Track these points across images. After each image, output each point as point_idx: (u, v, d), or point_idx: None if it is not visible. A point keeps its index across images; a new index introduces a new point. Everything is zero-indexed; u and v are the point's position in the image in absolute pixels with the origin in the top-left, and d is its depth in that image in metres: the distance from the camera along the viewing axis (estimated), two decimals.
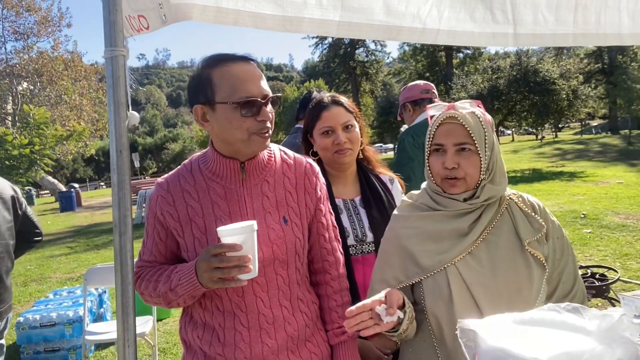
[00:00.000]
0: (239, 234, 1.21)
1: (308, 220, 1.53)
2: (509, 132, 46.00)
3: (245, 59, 1.38)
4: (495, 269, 1.39)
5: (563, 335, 1.08)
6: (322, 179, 1.61)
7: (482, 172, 1.42)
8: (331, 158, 1.88)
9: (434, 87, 3.29)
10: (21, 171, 17.66)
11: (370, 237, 1.86)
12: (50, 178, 26.91)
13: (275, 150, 1.54)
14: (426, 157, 1.48)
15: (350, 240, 1.83)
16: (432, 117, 1.47)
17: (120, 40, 1.20)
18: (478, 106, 1.46)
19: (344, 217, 1.87)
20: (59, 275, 8.45)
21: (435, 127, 1.44)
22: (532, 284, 1.39)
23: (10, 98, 26.81)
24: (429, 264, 1.41)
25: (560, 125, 40.21)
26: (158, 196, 1.43)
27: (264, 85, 1.37)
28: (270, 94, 1.38)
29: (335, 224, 1.65)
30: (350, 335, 1.53)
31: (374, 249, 1.84)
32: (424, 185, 1.57)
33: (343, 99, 1.95)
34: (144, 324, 4.04)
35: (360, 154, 2.01)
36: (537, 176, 17.02)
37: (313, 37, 44.69)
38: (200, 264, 1.27)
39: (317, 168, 1.60)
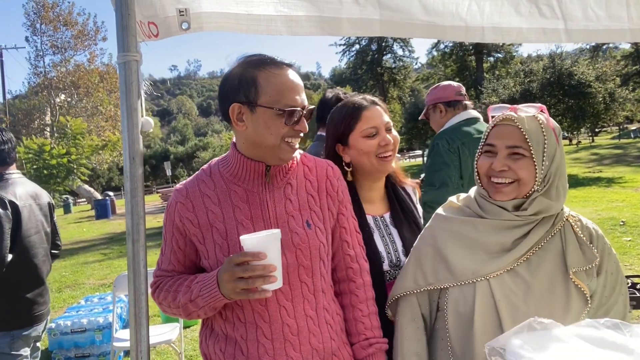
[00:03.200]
0: (262, 242, 1.17)
1: (331, 224, 1.48)
2: None
3: (290, 66, 1.37)
4: (530, 292, 1.29)
5: (601, 353, 0.99)
6: (343, 183, 1.55)
7: (536, 182, 1.30)
8: (372, 165, 1.69)
9: (464, 89, 3.10)
10: (59, 180, 18.31)
11: (404, 261, 1.68)
12: (86, 186, 27.77)
13: (296, 154, 1.49)
14: (475, 158, 1.41)
15: (386, 266, 1.68)
16: (492, 117, 1.40)
17: (132, 45, 1.18)
18: (542, 111, 1.35)
19: (377, 238, 1.71)
20: (92, 281, 8.65)
21: (491, 127, 1.37)
22: (568, 315, 1.27)
23: (49, 110, 27.92)
24: (461, 272, 1.34)
25: (596, 130, 38.92)
26: (177, 203, 1.39)
27: (304, 95, 1.36)
28: (308, 106, 1.37)
29: (359, 230, 1.56)
30: (378, 348, 1.46)
31: None
32: (472, 189, 1.49)
33: (378, 99, 1.80)
34: (171, 331, 4.06)
35: None
36: (573, 182, 16.47)
37: (340, 45, 44.82)
38: (222, 274, 1.22)
39: (338, 170, 1.55)
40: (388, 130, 1.71)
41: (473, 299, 1.31)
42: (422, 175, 3.53)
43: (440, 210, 1.51)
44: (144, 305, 1.21)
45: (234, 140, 1.42)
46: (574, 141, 37.64)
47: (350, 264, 1.51)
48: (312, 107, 1.37)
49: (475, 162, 1.40)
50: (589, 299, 1.31)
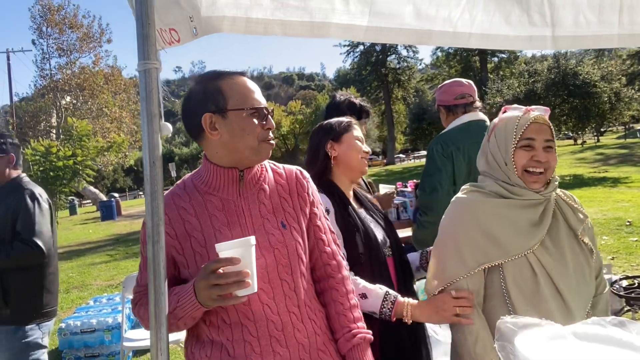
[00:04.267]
0: (236, 247, 1.21)
1: (305, 225, 1.53)
2: None
3: (244, 73, 1.47)
4: (564, 257, 1.52)
5: (608, 350, 1.02)
6: (313, 184, 1.62)
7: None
8: (358, 162, 1.98)
9: (474, 89, 2.97)
10: (65, 181, 18.39)
11: (387, 241, 1.95)
12: (92, 188, 27.91)
13: (265, 163, 1.56)
14: (511, 152, 1.56)
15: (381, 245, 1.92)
16: (510, 115, 1.60)
17: (153, 53, 1.22)
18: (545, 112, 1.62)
19: (374, 224, 1.96)
20: (100, 282, 8.71)
21: (526, 124, 1.55)
22: (590, 267, 1.58)
23: (55, 112, 28.05)
24: (512, 248, 1.51)
25: (602, 129, 38.78)
26: None
27: (263, 98, 1.48)
28: (269, 107, 1.48)
29: (332, 229, 1.65)
30: (362, 338, 1.48)
31: (390, 252, 1.93)
32: (482, 178, 1.68)
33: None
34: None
35: None
36: (578, 182, 16.43)
37: (344, 46, 44.83)
38: (198, 283, 1.25)
39: (307, 173, 1.63)
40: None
41: (531, 270, 1.50)
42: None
43: (468, 198, 1.63)
44: (163, 306, 1.24)
45: (205, 153, 1.48)
46: (579, 141, 37.51)
47: (328, 260, 1.56)
48: (272, 108, 1.49)
49: (512, 155, 1.56)
50: (593, 249, 1.61)
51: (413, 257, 2.06)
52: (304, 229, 1.52)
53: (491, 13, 1.75)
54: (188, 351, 1.48)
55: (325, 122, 2.08)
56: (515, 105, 1.65)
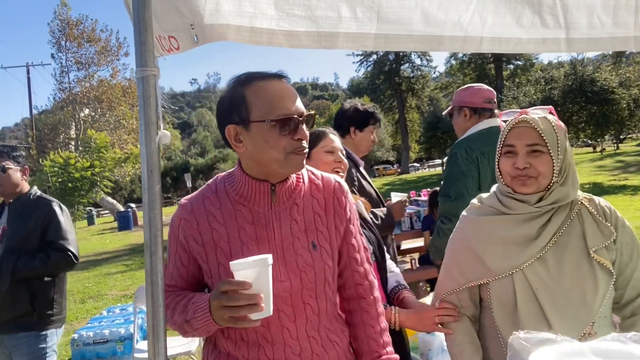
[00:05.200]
0: (251, 267, 1.12)
1: (338, 243, 1.44)
2: None
3: (278, 76, 1.32)
4: (561, 275, 1.42)
5: None
6: (351, 199, 1.52)
7: (554, 174, 1.44)
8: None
9: (495, 96, 2.97)
10: (83, 192, 18.68)
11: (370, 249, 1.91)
12: (109, 198, 28.27)
13: (303, 172, 1.45)
14: (496, 160, 1.52)
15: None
16: (504, 121, 1.53)
17: (151, 60, 1.20)
18: (550, 113, 1.51)
19: None
20: (115, 292, 8.76)
21: (508, 130, 1.49)
22: (597, 291, 1.42)
23: (74, 124, 28.60)
24: (497, 267, 1.47)
25: (621, 137, 38.05)
26: (181, 220, 1.36)
27: (299, 103, 1.32)
28: (306, 112, 1.32)
29: (367, 246, 1.57)
30: None
31: (374, 258, 1.91)
32: (494, 188, 1.61)
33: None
34: (191, 342, 4.07)
35: None
36: (598, 190, 16.09)
37: (357, 55, 44.94)
38: (212, 301, 1.20)
39: (346, 186, 1.52)
40: (342, 154, 2.07)
41: (513, 289, 1.44)
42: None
43: (466, 213, 1.64)
44: (161, 318, 1.20)
45: (239, 159, 1.40)
46: (598, 148, 36.86)
47: (360, 280, 1.48)
48: (312, 113, 1.34)
49: (497, 164, 1.52)
50: (612, 271, 1.44)
51: (392, 281, 2.02)
52: (336, 249, 1.43)
53: (502, 15, 1.70)
54: (205, 356, 1.45)
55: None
56: (510, 110, 1.59)
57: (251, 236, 1.32)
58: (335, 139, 2.08)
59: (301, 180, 1.42)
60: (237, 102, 1.29)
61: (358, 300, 1.48)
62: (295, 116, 1.28)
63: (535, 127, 1.44)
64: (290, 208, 1.37)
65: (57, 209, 2.78)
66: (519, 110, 1.53)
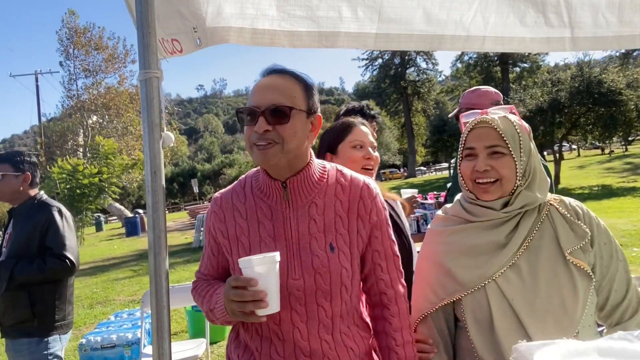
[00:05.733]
0: (259, 265, 1.15)
1: (360, 248, 1.39)
2: (574, 147, 43.79)
3: (278, 72, 1.34)
4: (537, 281, 1.32)
5: None
6: (379, 203, 1.44)
7: (517, 177, 1.36)
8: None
9: (502, 98, 2.97)
10: (91, 199, 18.79)
11: None
12: (117, 205, 28.42)
13: (330, 170, 1.42)
14: (459, 165, 1.44)
15: None
16: (464, 123, 1.45)
17: (154, 63, 1.21)
18: (512, 112, 1.44)
19: None
20: (123, 297, 8.78)
21: (467, 132, 1.42)
22: (577, 296, 1.31)
23: (82, 131, 28.84)
24: (467, 280, 1.37)
25: (630, 138, 37.72)
26: (212, 212, 1.42)
27: (274, 95, 1.28)
28: (277, 104, 1.26)
29: (398, 254, 1.47)
30: None
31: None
32: (457, 196, 1.53)
33: (368, 121, 2.00)
34: (198, 346, 4.07)
35: None
36: (606, 193, 15.94)
37: (363, 59, 45.01)
38: (225, 295, 1.23)
39: (377, 190, 1.45)
40: (372, 148, 1.90)
41: (487, 302, 1.33)
42: (449, 185, 3.45)
43: (431, 226, 1.55)
44: (165, 319, 1.21)
45: None
46: (607, 150, 36.56)
47: (385, 289, 1.43)
48: (280, 105, 1.27)
49: (458, 168, 1.44)
50: (591, 274, 1.35)
51: None
52: (357, 254, 1.39)
53: (505, 15, 1.69)
54: (229, 344, 1.48)
55: (331, 127, 1.97)
56: (471, 112, 1.49)
57: (269, 232, 1.33)
58: (365, 130, 1.90)
59: (325, 178, 1.40)
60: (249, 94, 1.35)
61: (382, 308, 1.44)
62: (254, 108, 1.27)
63: (495, 127, 1.36)
64: (309, 206, 1.35)
65: (56, 214, 2.76)
66: (479, 110, 1.45)
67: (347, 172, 1.45)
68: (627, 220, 9.85)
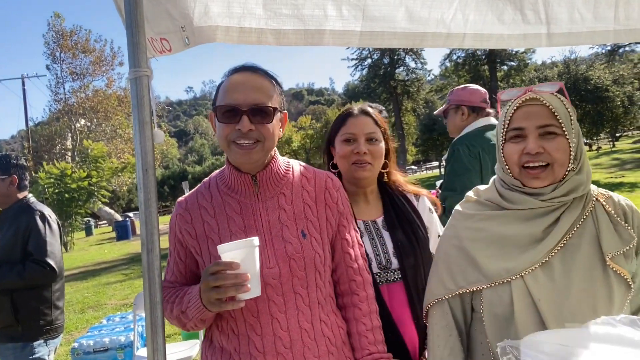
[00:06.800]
0: (238, 248, 1.16)
1: (330, 235, 1.45)
2: None
3: (252, 69, 1.37)
4: (569, 284, 1.19)
5: (618, 350, 0.97)
6: (344, 194, 1.52)
7: (570, 160, 1.22)
8: (348, 169, 1.74)
9: (488, 96, 3.04)
10: (80, 203, 18.66)
11: (395, 263, 1.67)
12: (107, 208, 28.23)
13: (294, 165, 1.50)
14: (500, 148, 1.29)
15: (374, 268, 1.66)
16: (504, 102, 1.31)
17: (143, 61, 1.23)
18: (561, 88, 1.26)
19: (366, 241, 1.69)
20: (114, 301, 8.73)
21: (513, 110, 1.25)
22: (612, 305, 1.19)
23: (70, 135, 28.60)
24: (493, 272, 1.24)
25: (617, 134, 38.25)
26: (177, 215, 1.43)
27: (257, 94, 1.31)
28: (262, 104, 1.30)
29: (362, 242, 1.54)
30: None
31: (400, 276, 1.66)
32: (493, 179, 1.39)
33: (373, 111, 1.82)
34: (191, 347, 4.07)
35: (386, 177, 1.87)
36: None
37: (352, 59, 45.06)
38: (201, 285, 1.23)
39: (339, 182, 1.52)
40: (369, 140, 1.74)
41: (510, 299, 1.21)
42: (439, 183, 3.47)
43: (459, 207, 1.42)
44: (159, 314, 1.22)
45: None
46: (594, 147, 37.01)
47: (354, 276, 1.47)
48: (264, 105, 1.31)
49: (501, 152, 1.29)
50: (630, 283, 1.21)
51: None
52: (327, 240, 1.43)
53: (484, 12, 1.74)
54: (203, 352, 1.47)
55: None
56: (511, 89, 1.31)
57: (240, 226, 1.36)
58: (362, 121, 1.75)
59: (290, 171, 1.46)
60: (216, 92, 1.39)
61: (351, 296, 1.47)
62: (237, 106, 1.29)
63: (548, 105, 1.22)
64: (278, 197, 1.41)
65: (38, 219, 2.75)
66: (523, 88, 1.28)
67: (310, 167, 1.52)
68: None
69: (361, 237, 1.64)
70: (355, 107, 1.83)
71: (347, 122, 1.76)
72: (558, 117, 1.21)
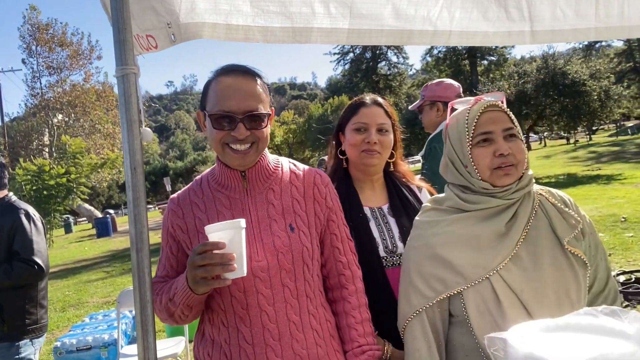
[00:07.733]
0: (225, 229, 1.18)
1: (319, 230, 1.47)
2: (538, 136, 44.99)
3: (243, 72, 1.38)
4: (540, 271, 1.29)
5: (600, 340, 1.01)
6: (333, 190, 1.55)
7: (526, 159, 1.35)
8: (358, 157, 1.79)
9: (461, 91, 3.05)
10: (59, 200, 18.28)
11: (401, 248, 1.72)
12: (86, 205, 27.74)
13: (284, 162, 1.54)
14: (467, 152, 1.35)
15: (381, 252, 1.72)
16: (459, 110, 1.41)
17: (130, 59, 1.21)
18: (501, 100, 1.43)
19: (373, 226, 1.76)
20: (96, 299, 8.62)
21: (478, 115, 1.34)
22: (580, 285, 1.30)
23: (47, 130, 27.98)
24: (470, 272, 1.30)
25: (594, 128, 39.04)
26: (170, 210, 1.46)
27: (251, 101, 1.34)
28: (257, 112, 1.34)
29: (351, 237, 1.57)
30: (371, 355, 1.43)
31: None
32: (447, 189, 1.48)
33: (385, 102, 1.88)
34: (176, 344, 4.05)
35: (392, 167, 1.92)
36: (572, 181, 16.49)
37: (335, 54, 45.03)
38: (188, 264, 1.24)
39: (328, 179, 1.56)
40: (380, 131, 1.79)
41: (494, 295, 1.27)
42: (418, 177, 3.50)
43: (419, 218, 1.48)
44: (149, 313, 1.22)
45: None
46: (572, 140, 37.74)
47: (343, 270, 1.50)
48: (259, 113, 1.34)
49: (469, 156, 1.35)
50: (587, 262, 1.34)
51: None
52: (316, 235, 1.46)
53: (469, 10, 1.77)
54: (195, 345, 1.49)
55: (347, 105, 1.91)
56: (463, 99, 1.46)
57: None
58: (374, 111, 1.80)
59: (279, 168, 1.50)
60: (205, 91, 1.41)
61: (340, 289, 1.50)
62: (234, 114, 1.32)
63: (506, 110, 1.35)
64: (266, 193, 1.44)
65: (23, 217, 2.73)
66: (471, 98, 1.42)
67: (299, 164, 1.56)
68: (593, 206, 10.23)
69: (368, 223, 1.73)
70: (367, 96, 1.87)
71: (360, 112, 1.81)
72: (514, 122, 1.35)
